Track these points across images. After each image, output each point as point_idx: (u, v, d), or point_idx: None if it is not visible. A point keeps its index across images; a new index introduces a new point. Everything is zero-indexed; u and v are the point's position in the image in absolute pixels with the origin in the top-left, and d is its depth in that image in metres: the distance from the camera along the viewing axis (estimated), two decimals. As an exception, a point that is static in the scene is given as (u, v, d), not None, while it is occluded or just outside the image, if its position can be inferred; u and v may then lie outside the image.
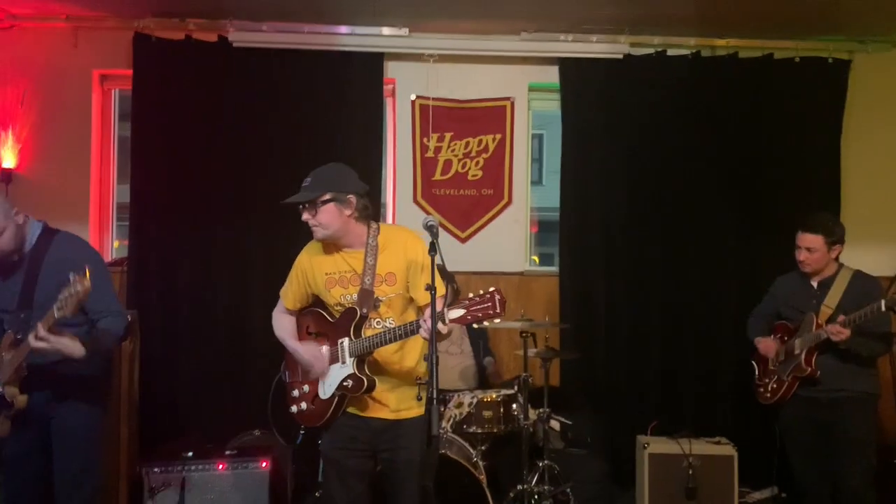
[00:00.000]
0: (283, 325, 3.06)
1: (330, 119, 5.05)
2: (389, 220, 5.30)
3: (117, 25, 4.93)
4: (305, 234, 4.95)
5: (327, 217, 2.83)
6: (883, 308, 3.34)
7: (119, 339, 3.28)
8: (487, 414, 4.09)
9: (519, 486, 4.04)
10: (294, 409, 3.00)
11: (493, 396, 4.13)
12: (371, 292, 2.82)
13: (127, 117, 5.06)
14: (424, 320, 2.57)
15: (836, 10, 4.72)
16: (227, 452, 4.19)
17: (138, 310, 4.56)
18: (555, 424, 4.57)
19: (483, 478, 3.80)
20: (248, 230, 4.99)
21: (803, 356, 3.62)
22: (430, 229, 2.64)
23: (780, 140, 5.19)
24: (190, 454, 4.11)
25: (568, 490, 4.20)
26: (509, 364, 5.07)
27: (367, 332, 2.82)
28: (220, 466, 4.08)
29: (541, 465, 4.22)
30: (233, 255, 4.99)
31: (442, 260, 2.60)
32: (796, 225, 3.76)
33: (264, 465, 4.12)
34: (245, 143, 4.99)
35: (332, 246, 2.94)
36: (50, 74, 4.98)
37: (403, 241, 2.91)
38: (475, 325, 2.58)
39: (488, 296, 2.51)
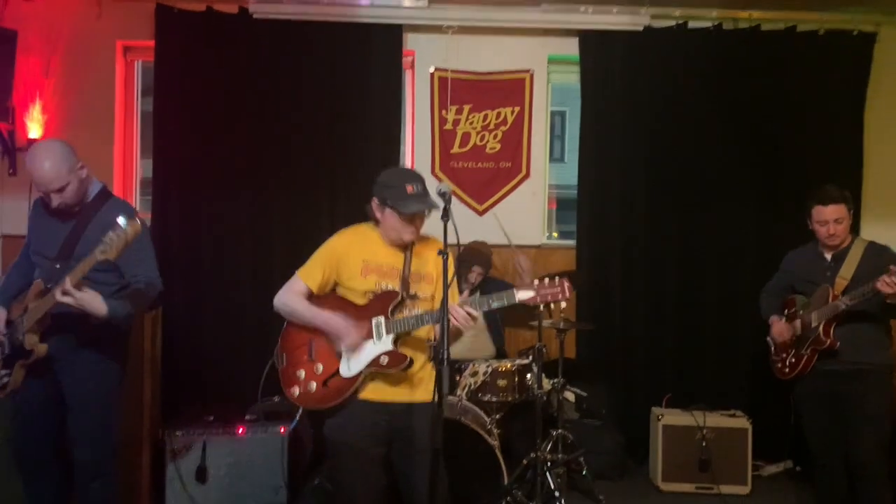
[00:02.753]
0: (302, 302, 2.98)
1: (349, 91, 5.08)
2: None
3: (140, -4, 4.98)
4: (326, 204, 5.04)
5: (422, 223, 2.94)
6: None
7: (145, 306, 3.36)
8: (502, 383, 4.14)
9: (532, 454, 4.08)
10: (296, 391, 2.94)
11: (508, 366, 4.17)
12: (409, 284, 2.91)
13: (150, 92, 5.12)
14: (456, 305, 2.72)
15: (862, -20, 4.67)
16: (247, 417, 4.28)
17: (161, 278, 4.63)
18: (569, 395, 4.63)
19: (497, 444, 3.85)
20: (269, 200, 5.06)
21: (821, 328, 3.60)
22: (443, 196, 2.70)
23: (803, 114, 5.14)
24: (211, 418, 4.21)
25: (581, 458, 4.24)
26: (525, 335, 5.10)
27: (398, 317, 2.88)
28: (240, 431, 4.17)
29: (554, 434, 4.27)
30: (255, 224, 5.06)
31: (456, 232, 2.65)
32: (808, 200, 3.71)
33: (283, 430, 4.20)
34: (265, 114, 5.04)
35: (374, 237, 2.96)
36: (74, 45, 5.04)
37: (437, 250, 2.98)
38: (541, 307, 2.73)
39: (558, 282, 2.75)
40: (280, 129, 5.05)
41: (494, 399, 4.13)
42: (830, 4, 5.03)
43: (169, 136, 5.02)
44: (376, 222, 2.96)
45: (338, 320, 2.88)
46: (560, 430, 4.27)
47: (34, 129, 4.95)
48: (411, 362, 2.84)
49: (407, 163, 5.34)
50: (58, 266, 3.06)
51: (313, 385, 2.92)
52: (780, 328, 3.87)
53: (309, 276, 2.99)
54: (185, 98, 5.00)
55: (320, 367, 2.93)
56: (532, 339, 4.54)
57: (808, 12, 5.08)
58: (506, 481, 3.77)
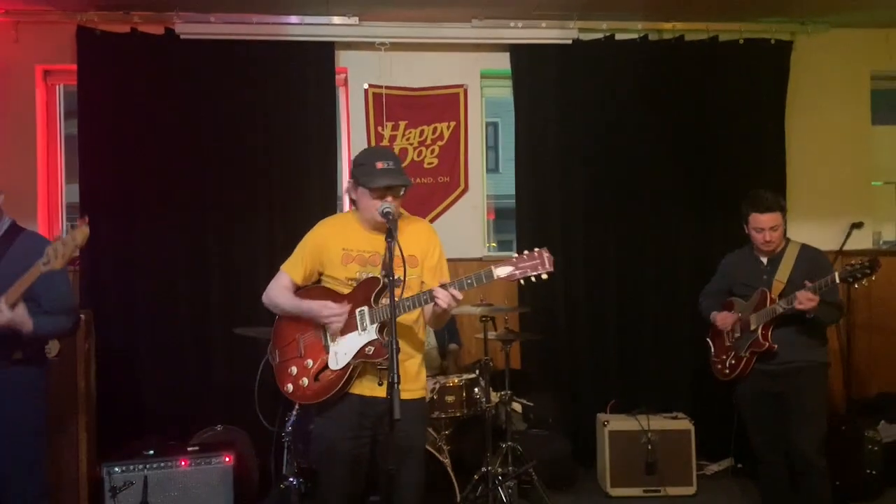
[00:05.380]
0: (286, 295, 2.96)
1: (282, 110, 5.01)
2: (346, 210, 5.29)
3: (59, 19, 4.82)
4: (263, 225, 4.98)
5: (400, 203, 2.87)
6: (837, 280, 3.46)
7: (62, 334, 3.31)
8: (450, 399, 4.13)
9: (483, 469, 4.08)
10: (290, 387, 2.89)
11: (456, 381, 4.16)
12: (392, 268, 2.77)
13: (73, 114, 4.96)
14: (439, 287, 2.69)
15: (777, -8, 4.87)
16: (190, 449, 4.16)
17: (93, 309, 4.48)
18: (517, 406, 4.64)
19: (448, 461, 3.83)
20: (202, 224, 4.94)
21: (760, 331, 3.71)
22: (387, 216, 2.69)
23: (727, 120, 5.31)
24: (151, 452, 4.06)
25: (531, 470, 4.25)
26: (471, 349, 5.11)
27: (382, 304, 2.82)
28: (183, 463, 4.03)
29: (504, 446, 4.27)
30: (188, 249, 4.94)
31: (401, 251, 2.64)
32: (745, 206, 3.79)
33: (228, 459, 4.08)
34: (196, 136, 4.93)
35: (354, 224, 2.94)
36: (-10, 71, 4.86)
37: (425, 229, 3.03)
38: (522, 282, 2.67)
39: (536, 253, 2.67)
40: (212, 151, 4.94)
41: (443, 416, 4.12)
42: (749, 15, 5.23)
43: (96, 162, 4.87)
44: (355, 206, 2.92)
45: (320, 305, 2.84)
46: (509, 443, 4.28)
47: (-50, 160, 4.73)
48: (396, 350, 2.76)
49: (344, 180, 5.29)
50: None
51: (305, 380, 2.87)
52: (724, 316, 3.92)
53: (292, 268, 2.98)
54: (111, 122, 4.87)
55: (310, 361, 2.88)
56: (478, 353, 4.56)
57: (728, 23, 5.27)
58: (458, 498, 3.76)
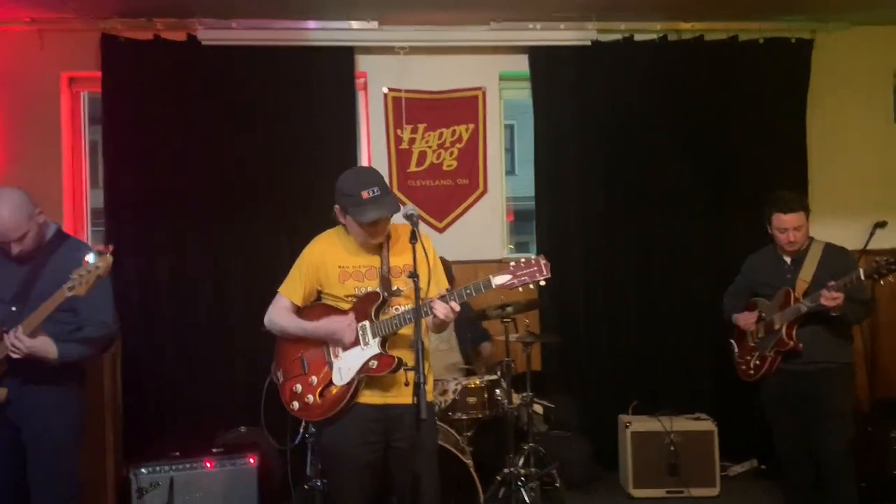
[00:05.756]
0: (287, 317, 2.97)
1: (302, 114, 5.05)
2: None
3: (83, 27, 4.89)
4: (283, 228, 5.00)
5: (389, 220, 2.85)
6: (862, 277, 3.43)
7: (99, 350, 3.28)
8: (472, 400, 4.13)
9: (506, 470, 4.08)
10: (296, 405, 2.91)
11: (477, 382, 4.17)
12: (390, 280, 2.85)
13: (97, 121, 5.03)
14: (437, 300, 2.70)
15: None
16: (215, 450, 4.20)
17: (118, 313, 4.52)
18: (538, 408, 4.64)
19: (470, 463, 3.84)
20: (224, 229, 4.99)
21: (784, 330, 3.68)
22: (410, 218, 2.71)
23: (748, 120, 5.29)
24: (177, 454, 4.12)
25: (554, 471, 4.25)
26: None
27: (383, 318, 2.84)
28: (208, 464, 4.08)
29: (526, 448, 4.28)
30: (210, 254, 4.99)
31: (426, 253, 2.68)
32: (767, 207, 3.78)
33: (252, 461, 4.13)
34: (218, 141, 4.98)
35: (347, 241, 2.93)
36: (16, 78, 4.93)
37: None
38: (520, 289, 2.69)
39: (534, 261, 2.70)
40: (234, 155, 4.99)
41: (465, 417, 4.13)
42: (769, 14, 5.20)
43: (120, 167, 4.93)
44: (344, 227, 2.92)
45: (328, 324, 2.85)
46: (531, 444, 4.28)
47: (-22, 165, 4.82)
48: (400, 363, 2.78)
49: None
50: (13, 309, 3.01)
51: (311, 397, 2.89)
52: (745, 316, 3.91)
53: (291, 291, 2.98)
54: (135, 128, 4.93)
55: (314, 378, 2.90)
56: (499, 354, 4.57)
57: (748, 22, 5.25)
58: (481, 499, 3.77)
